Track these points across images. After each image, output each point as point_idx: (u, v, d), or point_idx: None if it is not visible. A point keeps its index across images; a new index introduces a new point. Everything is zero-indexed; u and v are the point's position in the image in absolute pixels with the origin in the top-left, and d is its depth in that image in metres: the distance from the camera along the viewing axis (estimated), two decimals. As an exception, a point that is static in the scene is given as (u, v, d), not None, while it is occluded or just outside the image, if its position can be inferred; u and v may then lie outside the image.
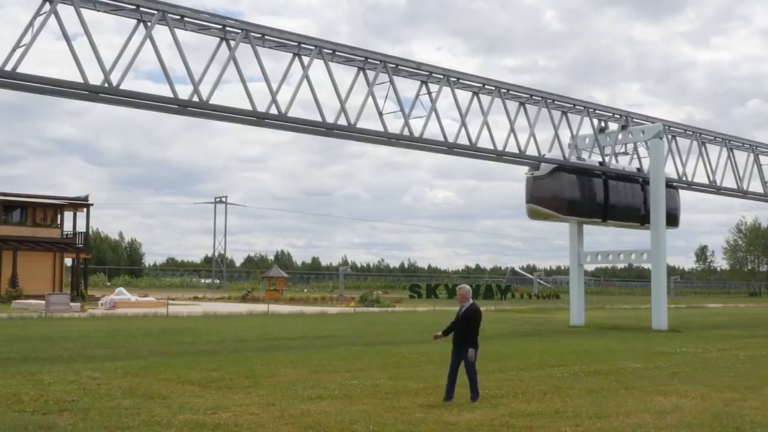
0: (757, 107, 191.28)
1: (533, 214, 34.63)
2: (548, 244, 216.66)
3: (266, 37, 24.85)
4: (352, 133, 27.04)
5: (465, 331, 12.38)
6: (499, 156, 31.22)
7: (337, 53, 26.51)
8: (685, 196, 42.54)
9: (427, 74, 28.76)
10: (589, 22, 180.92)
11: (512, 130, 31.18)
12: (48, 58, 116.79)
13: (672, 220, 37.97)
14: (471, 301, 12.59)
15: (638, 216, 36.77)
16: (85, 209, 58.74)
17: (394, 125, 28.08)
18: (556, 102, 33.42)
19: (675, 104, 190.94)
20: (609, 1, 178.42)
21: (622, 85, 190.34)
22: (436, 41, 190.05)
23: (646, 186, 36.60)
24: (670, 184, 37.60)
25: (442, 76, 29.03)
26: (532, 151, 32.24)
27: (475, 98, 30.52)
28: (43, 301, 39.02)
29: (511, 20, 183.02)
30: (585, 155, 36.33)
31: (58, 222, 57.52)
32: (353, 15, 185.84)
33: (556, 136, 33.53)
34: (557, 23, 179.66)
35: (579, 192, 34.34)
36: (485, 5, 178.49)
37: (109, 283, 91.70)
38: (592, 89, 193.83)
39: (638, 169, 37.50)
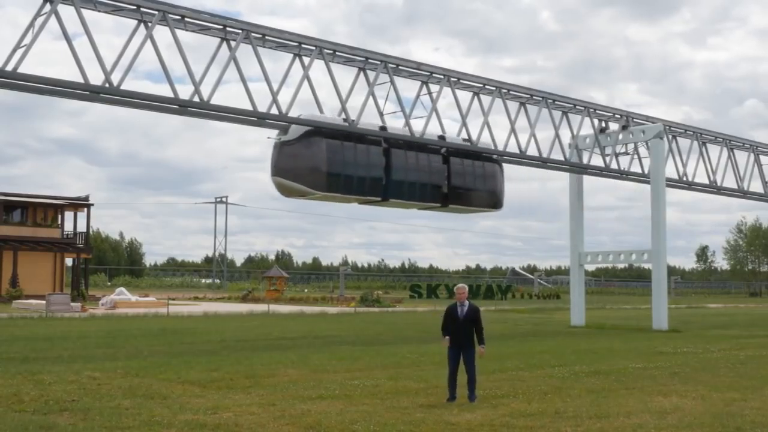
0: (754, 107, 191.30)
1: (282, 191, 26.73)
2: (548, 244, 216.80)
3: (267, 37, 24.87)
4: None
5: (471, 330, 12.40)
6: (499, 156, 31.15)
7: (337, 53, 26.52)
8: (685, 196, 42.21)
9: (427, 74, 28.77)
10: (585, 23, 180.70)
11: (513, 130, 31.19)
12: (48, 58, 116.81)
13: (492, 201, 31.24)
14: (467, 301, 12.61)
15: (438, 195, 29.20)
16: (85, 209, 58.74)
17: (395, 125, 28.11)
18: (556, 102, 33.45)
19: (673, 104, 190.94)
20: (604, 1, 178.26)
21: (620, 85, 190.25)
22: (433, 42, 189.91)
23: (451, 158, 29.52)
24: (487, 156, 30.72)
25: (442, 77, 29.04)
26: (532, 151, 32.25)
27: (476, 98, 30.55)
28: (44, 301, 38.99)
29: (508, 20, 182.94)
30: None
31: (59, 222, 57.50)
32: (350, 15, 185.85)
33: (557, 136, 33.53)
34: (553, 23, 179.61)
35: (345, 163, 26.44)
36: (482, 5, 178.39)
37: (109, 283, 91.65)
38: (591, 89, 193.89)
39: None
